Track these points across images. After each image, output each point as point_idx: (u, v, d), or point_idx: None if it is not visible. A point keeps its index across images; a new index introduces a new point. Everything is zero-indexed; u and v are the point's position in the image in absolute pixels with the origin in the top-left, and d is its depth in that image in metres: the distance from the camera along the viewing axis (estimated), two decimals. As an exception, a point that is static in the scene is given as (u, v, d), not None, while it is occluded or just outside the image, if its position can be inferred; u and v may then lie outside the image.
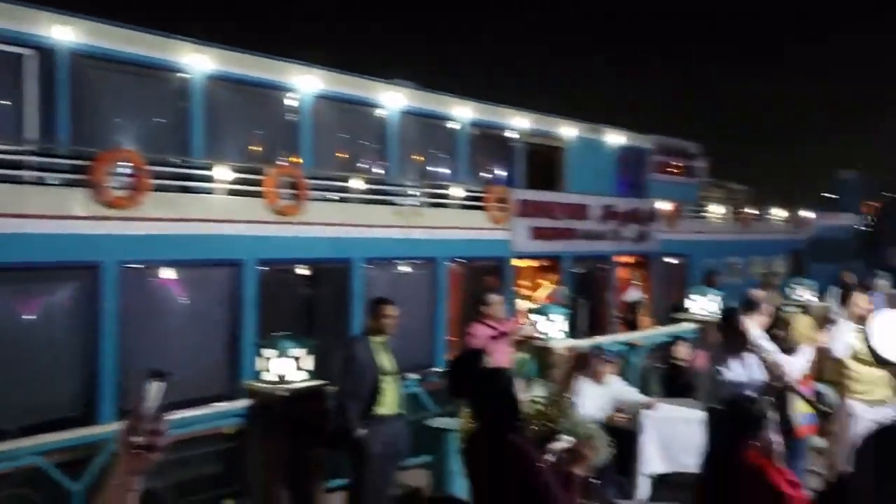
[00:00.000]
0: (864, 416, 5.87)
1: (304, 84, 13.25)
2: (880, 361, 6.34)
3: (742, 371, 5.65)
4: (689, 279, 21.00)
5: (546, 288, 17.54)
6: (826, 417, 6.54)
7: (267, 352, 6.46)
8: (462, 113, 16.15)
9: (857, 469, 2.19)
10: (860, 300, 6.95)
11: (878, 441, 2.19)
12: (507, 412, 3.81)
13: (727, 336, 5.85)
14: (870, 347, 6.38)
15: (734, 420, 3.98)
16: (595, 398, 7.29)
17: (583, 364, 7.30)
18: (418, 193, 14.19)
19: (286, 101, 13.45)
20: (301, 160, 13.38)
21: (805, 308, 10.83)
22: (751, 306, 6.54)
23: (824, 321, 8.72)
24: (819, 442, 7.28)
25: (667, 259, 20.91)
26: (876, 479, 2.07)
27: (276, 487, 6.26)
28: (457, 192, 15.06)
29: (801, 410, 6.57)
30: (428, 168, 16.42)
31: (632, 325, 17.92)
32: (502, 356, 6.91)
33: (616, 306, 19.05)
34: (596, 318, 18.12)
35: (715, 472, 4.01)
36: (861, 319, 6.74)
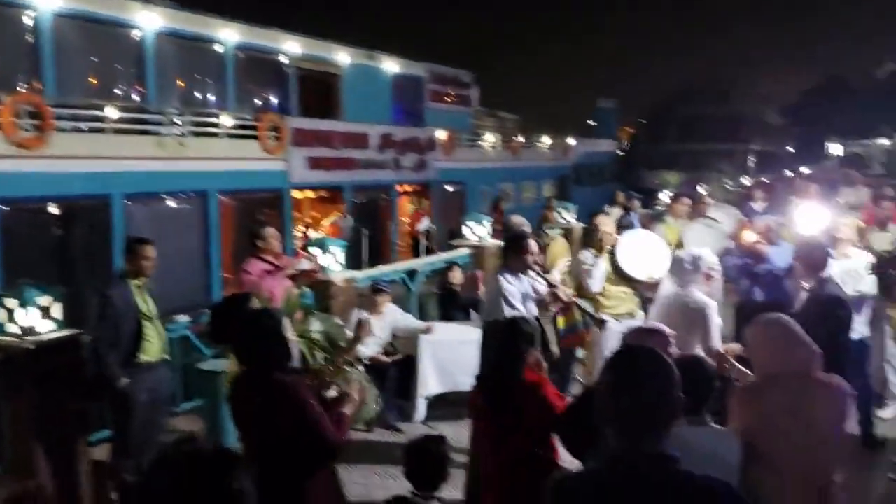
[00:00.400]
0: (614, 328, 6.23)
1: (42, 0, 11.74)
2: (623, 277, 6.75)
3: (520, 289, 5.77)
4: (467, 206, 21.65)
5: (328, 219, 17.28)
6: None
7: (8, 302, 5.72)
8: (228, 36, 15.14)
9: (601, 379, 2.26)
10: (604, 222, 7.28)
11: (616, 356, 2.31)
12: (274, 353, 3.56)
13: (508, 257, 5.95)
14: (614, 265, 6.78)
15: (508, 338, 4.04)
16: (374, 329, 7.24)
17: (361, 297, 7.24)
18: (181, 122, 13.16)
19: (23, 20, 11.86)
20: (42, 86, 11.93)
21: (567, 231, 11.39)
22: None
23: (583, 243, 9.14)
24: (581, 353, 7.72)
25: (446, 186, 21.33)
26: (612, 389, 2.18)
27: (29, 445, 5.65)
28: (226, 120, 14.21)
29: (561, 325, 6.90)
30: (193, 95, 15.34)
31: (427, 253, 18.05)
32: (279, 291, 6.60)
33: (400, 235, 19.22)
34: (378, 247, 18.20)
35: (491, 388, 4.05)
36: (605, 240, 7.04)
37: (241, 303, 4.25)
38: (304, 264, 7.55)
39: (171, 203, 13.29)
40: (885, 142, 56.15)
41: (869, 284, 6.63)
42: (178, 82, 14.87)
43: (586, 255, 7.08)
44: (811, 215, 7.79)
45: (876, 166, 55.95)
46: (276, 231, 7.04)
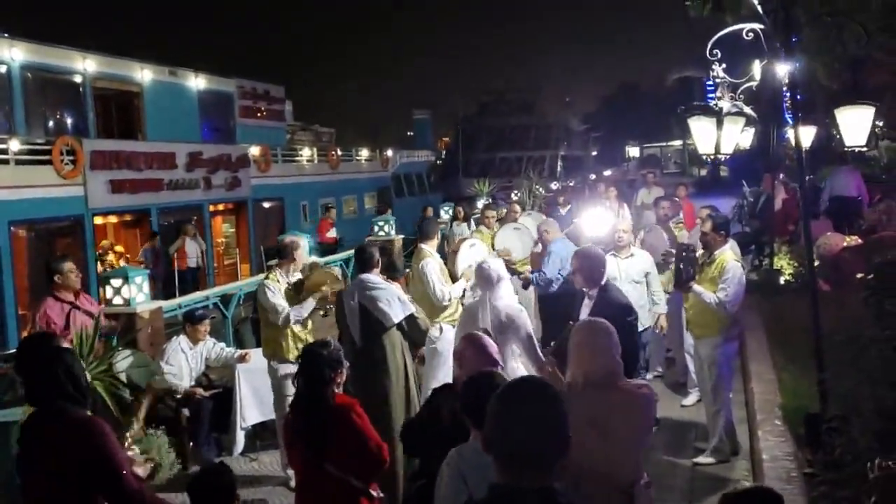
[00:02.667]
0: (449, 335, 6.37)
1: None
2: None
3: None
4: (286, 222, 21.31)
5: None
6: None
7: None
8: (14, 55, 14.00)
9: (489, 411, 2.18)
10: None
11: (507, 390, 2.23)
12: (63, 389, 3.29)
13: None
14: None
15: (312, 363, 4.02)
16: (189, 360, 6.96)
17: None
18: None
19: None
20: None
21: (386, 242, 11.53)
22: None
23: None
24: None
25: (263, 203, 20.89)
26: (501, 425, 2.11)
27: None
28: (14, 145, 13.14)
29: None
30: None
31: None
32: (77, 328, 6.16)
33: (216, 257, 18.60)
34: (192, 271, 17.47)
35: (304, 415, 4.01)
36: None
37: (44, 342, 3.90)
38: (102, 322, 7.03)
39: (-48, 237, 12.14)
40: (677, 143, 61.26)
41: (657, 280, 7.24)
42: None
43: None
44: (595, 220, 8.29)
45: (671, 165, 60.93)
46: (71, 265, 6.53)
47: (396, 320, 5.70)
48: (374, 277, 5.88)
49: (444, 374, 6.08)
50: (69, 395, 3.27)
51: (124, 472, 3.24)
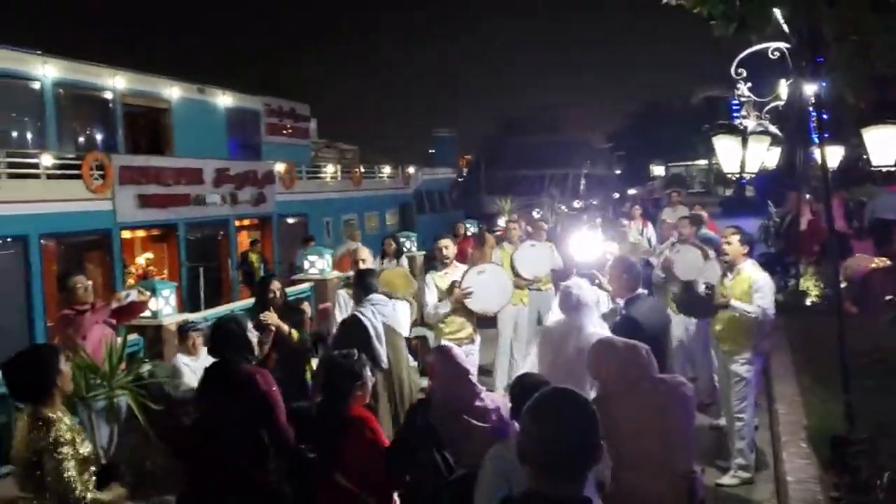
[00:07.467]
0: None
1: None
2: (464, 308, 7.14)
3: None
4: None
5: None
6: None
7: None
8: (46, 72, 14.29)
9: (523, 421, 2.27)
10: (443, 245, 7.55)
11: (541, 399, 2.25)
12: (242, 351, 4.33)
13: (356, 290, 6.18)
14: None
15: (330, 374, 4.10)
16: (191, 372, 6.94)
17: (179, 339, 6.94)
18: (-6, 164, 12.28)
19: None
20: None
21: (409, 259, 11.56)
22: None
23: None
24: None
25: (287, 219, 21.05)
26: (536, 434, 2.16)
27: None
28: (46, 160, 13.39)
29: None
30: (9, 134, 14.37)
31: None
32: (95, 335, 6.23)
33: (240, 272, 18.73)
34: (217, 285, 17.66)
35: (321, 424, 4.06)
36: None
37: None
38: (133, 295, 7.20)
39: (-15, 249, 12.36)
40: (702, 162, 60.89)
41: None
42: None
43: (428, 281, 7.35)
44: (584, 244, 8.22)
45: (696, 185, 60.55)
46: (80, 279, 6.50)
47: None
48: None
49: None
50: (245, 356, 4.34)
51: (283, 414, 4.18)
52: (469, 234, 14.72)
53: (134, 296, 7.15)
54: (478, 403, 4.13)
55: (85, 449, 3.61)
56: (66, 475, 3.44)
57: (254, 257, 17.62)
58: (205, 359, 6.93)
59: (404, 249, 14.04)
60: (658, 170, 65.75)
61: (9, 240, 12.54)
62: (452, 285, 7.14)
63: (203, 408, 4.44)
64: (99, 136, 16.37)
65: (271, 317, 6.11)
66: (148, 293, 7.45)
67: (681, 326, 7.89)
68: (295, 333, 6.25)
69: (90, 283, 6.52)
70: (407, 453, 3.84)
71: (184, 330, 7.03)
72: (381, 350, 5.88)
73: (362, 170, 26.71)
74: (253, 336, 4.53)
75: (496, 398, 4.35)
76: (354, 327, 5.94)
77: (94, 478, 3.62)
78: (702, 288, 6.23)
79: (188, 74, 18.76)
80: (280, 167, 20.59)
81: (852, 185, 16.82)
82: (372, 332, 5.85)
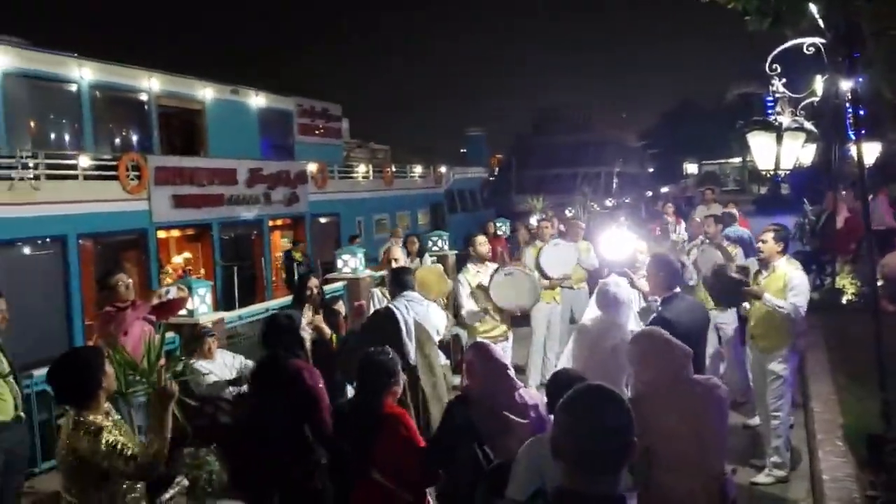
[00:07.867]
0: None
1: None
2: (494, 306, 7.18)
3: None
4: (342, 237, 21.58)
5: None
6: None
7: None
8: (83, 74, 14.56)
9: (557, 419, 2.26)
10: (480, 242, 7.63)
11: (576, 396, 2.22)
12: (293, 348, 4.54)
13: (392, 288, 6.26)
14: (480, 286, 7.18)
15: (367, 371, 4.11)
16: (208, 374, 6.99)
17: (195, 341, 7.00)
18: (34, 165, 12.53)
19: None
20: None
21: (441, 258, 11.59)
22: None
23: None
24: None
25: (319, 219, 21.21)
26: (571, 431, 2.14)
27: None
28: (83, 161, 13.64)
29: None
30: (48, 136, 14.66)
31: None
32: (135, 331, 6.32)
33: (274, 270, 18.93)
34: (251, 284, 17.85)
35: (356, 421, 4.09)
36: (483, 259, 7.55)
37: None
38: (173, 292, 7.32)
39: (26, 250, 12.61)
40: (736, 160, 60.24)
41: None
42: (31, 123, 14.18)
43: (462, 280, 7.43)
44: (615, 242, 8.20)
45: (730, 183, 59.90)
46: (122, 276, 6.60)
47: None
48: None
49: None
50: (295, 351, 4.53)
51: (326, 411, 4.35)
52: (499, 233, 14.68)
53: (174, 293, 7.28)
54: (517, 399, 4.09)
55: (133, 445, 3.63)
56: (127, 471, 3.50)
57: (297, 255, 17.76)
58: (220, 361, 7.06)
59: (435, 248, 14.08)
60: (691, 168, 65.15)
61: (48, 240, 12.81)
62: (479, 287, 7.21)
63: (250, 404, 4.55)
64: (134, 138, 16.61)
65: (318, 319, 6.23)
66: (186, 290, 7.58)
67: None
68: (334, 337, 6.34)
69: (131, 280, 6.62)
70: (447, 451, 3.86)
71: (199, 332, 7.10)
72: (411, 346, 5.91)
73: (394, 169, 26.80)
74: (305, 333, 4.64)
75: (534, 394, 4.30)
76: (387, 319, 5.97)
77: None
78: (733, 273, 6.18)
79: (221, 75, 18.98)
80: (312, 167, 20.74)
81: (891, 181, 16.54)
82: (403, 327, 5.88)
